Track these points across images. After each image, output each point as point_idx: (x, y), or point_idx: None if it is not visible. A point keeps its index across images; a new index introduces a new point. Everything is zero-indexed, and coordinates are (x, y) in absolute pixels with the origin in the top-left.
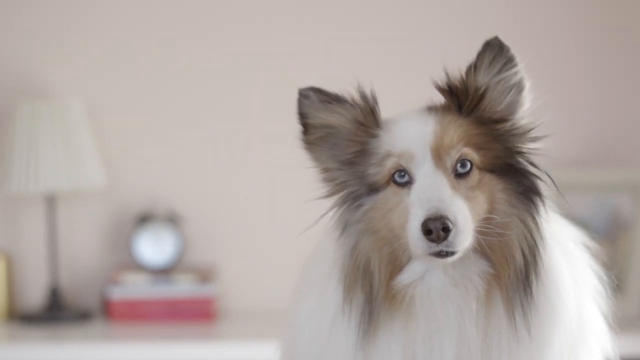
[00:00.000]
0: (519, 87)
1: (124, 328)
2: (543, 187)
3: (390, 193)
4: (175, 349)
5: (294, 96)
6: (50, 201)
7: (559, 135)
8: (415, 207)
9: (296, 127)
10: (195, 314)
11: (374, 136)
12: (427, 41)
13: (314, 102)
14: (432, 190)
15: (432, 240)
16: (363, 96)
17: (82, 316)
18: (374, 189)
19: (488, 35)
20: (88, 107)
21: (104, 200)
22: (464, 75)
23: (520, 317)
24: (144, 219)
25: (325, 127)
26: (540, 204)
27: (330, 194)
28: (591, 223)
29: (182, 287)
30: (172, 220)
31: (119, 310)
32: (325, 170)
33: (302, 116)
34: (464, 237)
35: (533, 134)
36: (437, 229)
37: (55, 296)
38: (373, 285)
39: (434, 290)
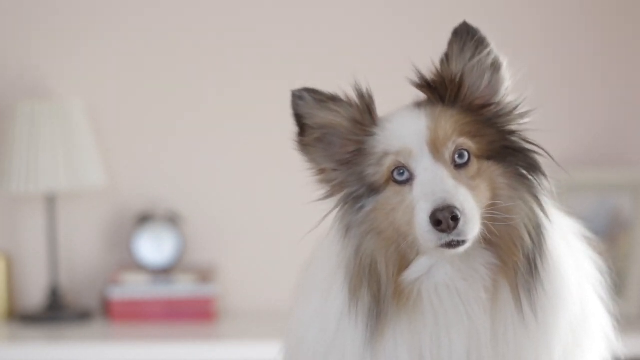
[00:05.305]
0: (495, 67)
1: (124, 328)
2: (543, 162)
3: (391, 193)
4: (175, 349)
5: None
6: (50, 201)
7: (560, 136)
8: (420, 201)
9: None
10: (195, 314)
11: (371, 135)
12: (419, 37)
13: (309, 102)
14: (435, 182)
15: (442, 231)
16: (359, 94)
17: (82, 316)
18: (374, 189)
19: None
20: (88, 107)
21: (104, 200)
22: (438, 67)
23: (527, 301)
24: (144, 219)
25: (323, 127)
26: (542, 180)
27: (329, 195)
28: (591, 223)
29: (182, 287)
30: (172, 220)
31: (119, 310)
32: (322, 171)
33: (299, 117)
34: (473, 224)
35: (520, 109)
36: (446, 219)
37: (55, 296)
38: (381, 284)
39: (441, 285)
